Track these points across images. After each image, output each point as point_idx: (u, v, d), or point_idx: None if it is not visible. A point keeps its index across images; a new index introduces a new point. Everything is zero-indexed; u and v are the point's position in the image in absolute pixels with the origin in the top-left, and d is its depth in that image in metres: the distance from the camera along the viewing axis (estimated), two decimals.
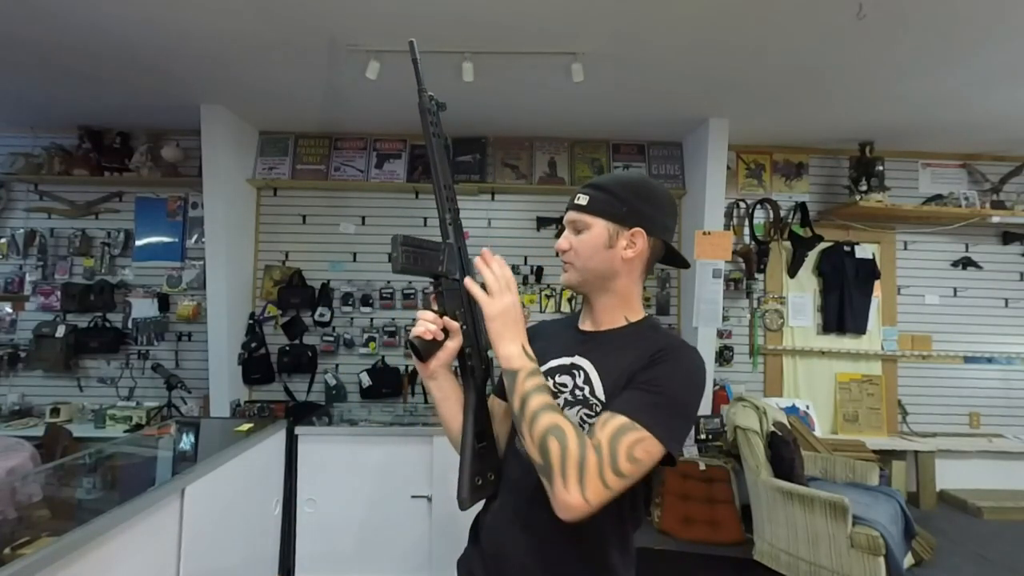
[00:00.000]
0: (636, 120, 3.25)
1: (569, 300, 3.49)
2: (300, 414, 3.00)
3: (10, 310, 3.39)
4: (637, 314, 0.94)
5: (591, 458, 0.71)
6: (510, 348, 0.81)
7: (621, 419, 0.75)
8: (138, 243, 3.44)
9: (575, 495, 0.70)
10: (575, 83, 2.51)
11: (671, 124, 3.29)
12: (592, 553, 0.86)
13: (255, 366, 3.33)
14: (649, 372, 0.81)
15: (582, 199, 0.92)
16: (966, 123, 3.12)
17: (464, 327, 0.88)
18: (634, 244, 0.89)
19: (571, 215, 0.93)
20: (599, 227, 0.90)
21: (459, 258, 0.90)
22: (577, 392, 0.87)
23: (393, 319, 3.46)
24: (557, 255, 0.97)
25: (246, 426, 2.14)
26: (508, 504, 0.90)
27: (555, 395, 0.86)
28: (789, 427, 2.80)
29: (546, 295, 3.51)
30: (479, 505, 0.94)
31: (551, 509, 0.73)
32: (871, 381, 3.53)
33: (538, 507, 0.80)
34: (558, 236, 1.07)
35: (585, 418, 0.84)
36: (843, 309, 3.50)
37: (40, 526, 1.16)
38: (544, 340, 0.96)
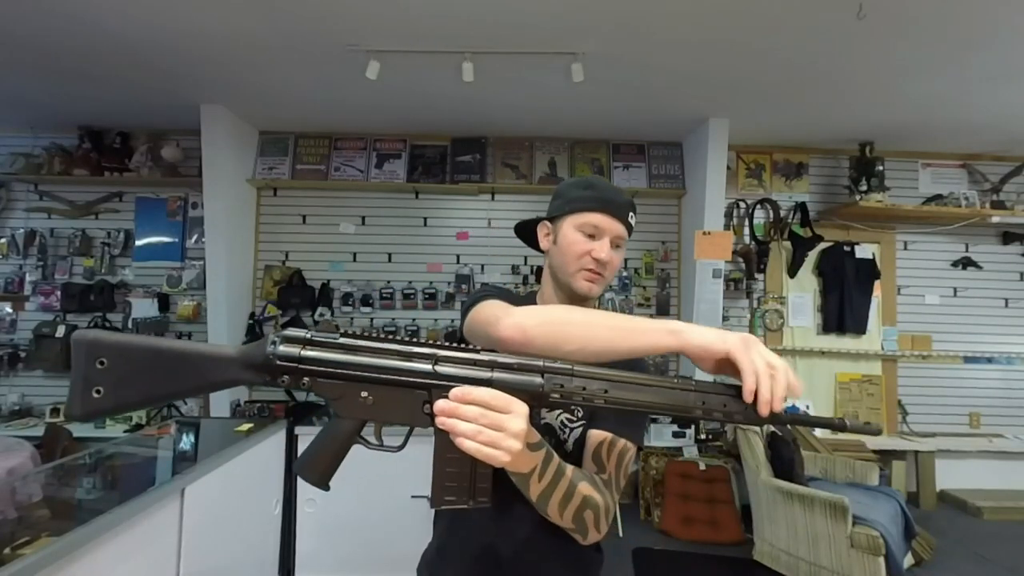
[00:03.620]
0: (636, 120, 3.25)
1: None
2: (300, 414, 3.00)
3: (10, 310, 3.39)
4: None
5: (609, 500, 0.80)
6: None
7: (620, 443, 0.84)
8: (138, 243, 3.44)
9: (603, 532, 0.80)
10: (575, 83, 2.51)
11: (671, 124, 3.29)
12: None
13: None
14: None
15: (633, 220, 0.92)
16: (966, 123, 3.12)
17: None
18: None
19: (622, 230, 0.91)
20: (625, 248, 0.94)
21: None
22: None
23: (393, 319, 3.46)
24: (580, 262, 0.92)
25: (246, 426, 2.14)
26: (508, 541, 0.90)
27: None
28: (789, 427, 2.80)
29: None
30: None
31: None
32: (871, 381, 3.53)
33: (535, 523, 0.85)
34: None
35: (567, 421, 0.89)
36: (843, 309, 3.50)
37: (40, 526, 1.16)
38: None
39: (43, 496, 1.41)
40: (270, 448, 2.16)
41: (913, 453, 3.36)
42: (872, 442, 3.23)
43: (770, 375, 0.58)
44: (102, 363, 0.57)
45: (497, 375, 0.61)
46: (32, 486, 1.48)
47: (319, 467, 0.64)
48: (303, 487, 2.41)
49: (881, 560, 2.14)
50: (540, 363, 0.62)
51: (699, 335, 0.62)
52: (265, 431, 2.10)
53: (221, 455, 1.73)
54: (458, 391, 0.59)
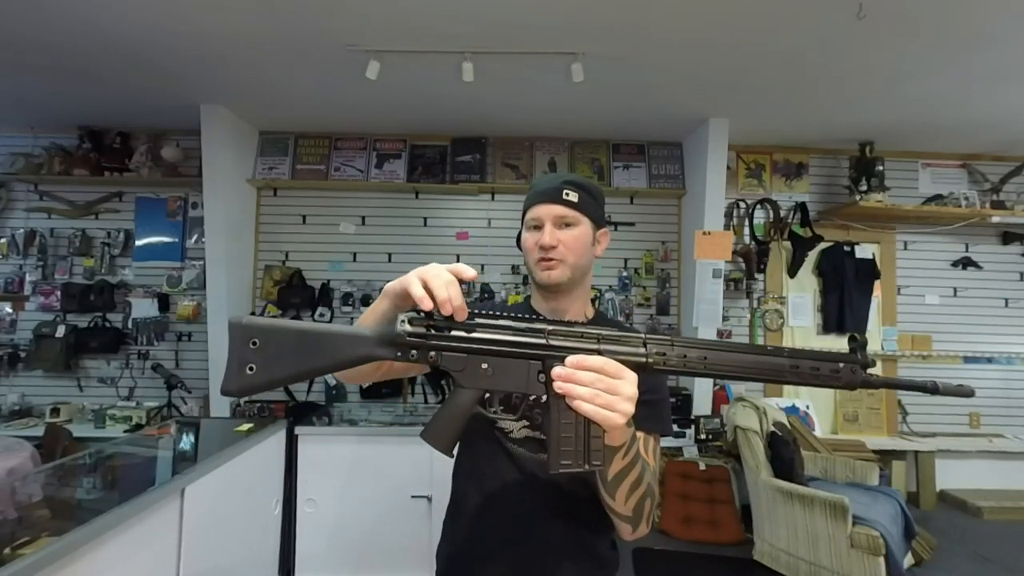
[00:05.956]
0: (636, 120, 3.25)
1: None
2: (300, 414, 3.00)
3: (10, 310, 3.39)
4: (590, 307, 1.02)
5: (656, 490, 0.82)
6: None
7: (652, 439, 0.88)
8: (138, 243, 3.44)
9: (649, 527, 0.82)
10: (575, 83, 2.51)
11: (671, 124, 3.29)
12: (594, 536, 0.95)
13: None
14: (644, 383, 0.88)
15: (572, 196, 0.91)
16: (966, 123, 3.12)
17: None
18: (600, 243, 0.98)
19: (560, 209, 0.91)
20: (585, 225, 0.94)
21: None
22: None
23: None
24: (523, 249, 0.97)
25: (246, 426, 2.14)
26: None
27: None
28: (789, 427, 2.80)
29: None
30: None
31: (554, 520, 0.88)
32: None
33: (545, 521, 0.90)
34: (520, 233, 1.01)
35: None
36: (843, 309, 3.50)
37: (40, 526, 1.16)
38: None
39: (43, 496, 1.41)
40: (270, 448, 2.16)
41: (913, 453, 3.36)
42: (872, 442, 3.23)
43: (430, 278, 0.64)
44: (254, 343, 0.63)
45: (605, 346, 0.66)
46: (32, 486, 1.48)
47: (445, 435, 0.69)
48: (303, 487, 2.41)
49: (881, 560, 2.14)
50: (642, 335, 0.67)
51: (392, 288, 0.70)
52: (265, 431, 2.11)
53: (221, 455, 1.73)
54: (574, 358, 0.63)
